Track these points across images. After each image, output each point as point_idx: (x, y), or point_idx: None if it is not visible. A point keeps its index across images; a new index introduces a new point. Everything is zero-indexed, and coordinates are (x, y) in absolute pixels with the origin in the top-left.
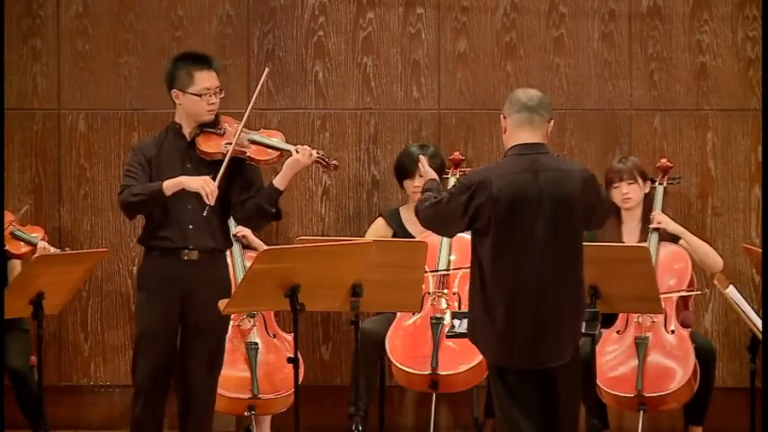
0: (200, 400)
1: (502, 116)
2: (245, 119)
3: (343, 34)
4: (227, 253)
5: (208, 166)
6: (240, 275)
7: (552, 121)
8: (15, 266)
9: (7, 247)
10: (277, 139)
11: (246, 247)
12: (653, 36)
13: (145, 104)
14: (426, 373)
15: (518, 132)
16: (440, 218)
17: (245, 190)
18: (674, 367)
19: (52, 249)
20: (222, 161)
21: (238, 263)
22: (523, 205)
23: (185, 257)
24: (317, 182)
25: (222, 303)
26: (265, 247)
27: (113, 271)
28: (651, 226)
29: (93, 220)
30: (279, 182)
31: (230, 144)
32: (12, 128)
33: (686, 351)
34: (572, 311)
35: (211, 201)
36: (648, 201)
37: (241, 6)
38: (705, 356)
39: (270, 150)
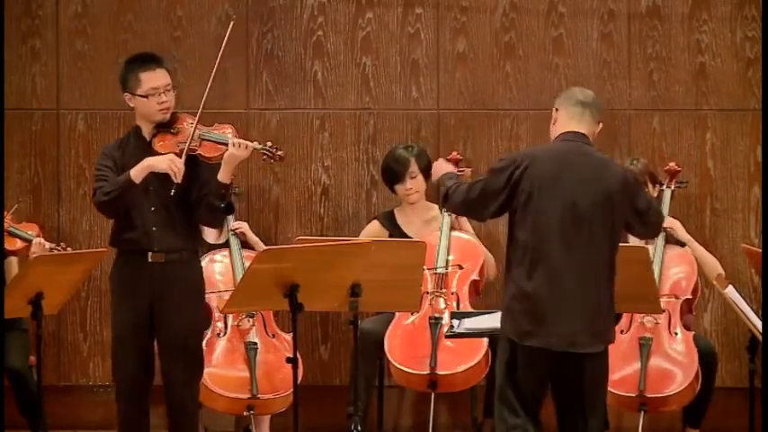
0: (179, 403)
1: (554, 108)
2: (197, 116)
3: (342, 34)
4: (206, 252)
5: None
6: (239, 273)
7: (601, 125)
8: (12, 263)
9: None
10: (219, 133)
11: (245, 244)
12: (652, 36)
13: None
14: (425, 372)
15: (568, 122)
16: (483, 195)
17: (201, 188)
18: (677, 370)
19: (47, 245)
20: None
21: (237, 261)
22: (560, 187)
23: (151, 260)
24: (315, 182)
25: (222, 303)
26: (261, 244)
27: None
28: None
29: (91, 220)
30: (221, 176)
31: (184, 143)
32: (11, 128)
33: (690, 354)
34: (596, 297)
35: (178, 178)
36: None
37: (240, 6)
38: (706, 360)
39: (219, 146)
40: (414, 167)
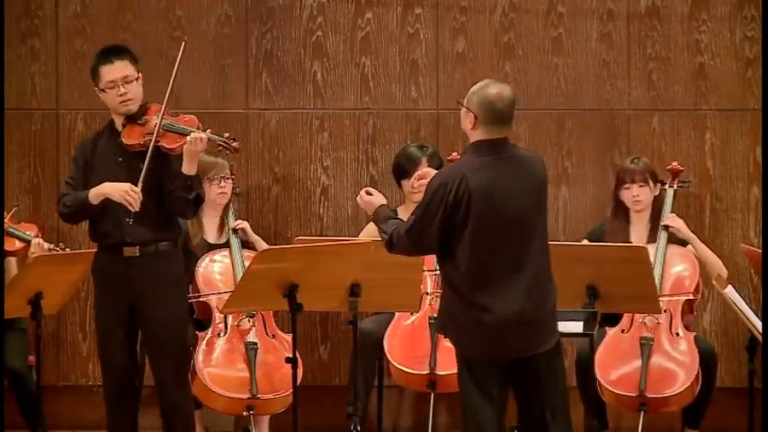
0: (172, 404)
1: (469, 111)
2: (163, 107)
3: (341, 34)
4: (178, 246)
5: (136, 157)
6: (239, 273)
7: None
8: (10, 263)
9: None
10: (181, 125)
11: (245, 243)
12: (651, 36)
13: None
14: (424, 372)
15: (489, 131)
16: (423, 230)
17: (171, 180)
18: (678, 370)
19: (46, 245)
20: (146, 152)
21: (237, 260)
22: (498, 193)
23: (127, 254)
24: (315, 182)
25: (221, 303)
26: (262, 242)
27: None
28: (662, 224)
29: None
30: (185, 167)
31: (150, 134)
32: (10, 128)
33: (692, 355)
34: (550, 297)
35: (135, 207)
36: (657, 203)
37: (239, 6)
38: (707, 361)
39: (181, 137)
40: (423, 166)
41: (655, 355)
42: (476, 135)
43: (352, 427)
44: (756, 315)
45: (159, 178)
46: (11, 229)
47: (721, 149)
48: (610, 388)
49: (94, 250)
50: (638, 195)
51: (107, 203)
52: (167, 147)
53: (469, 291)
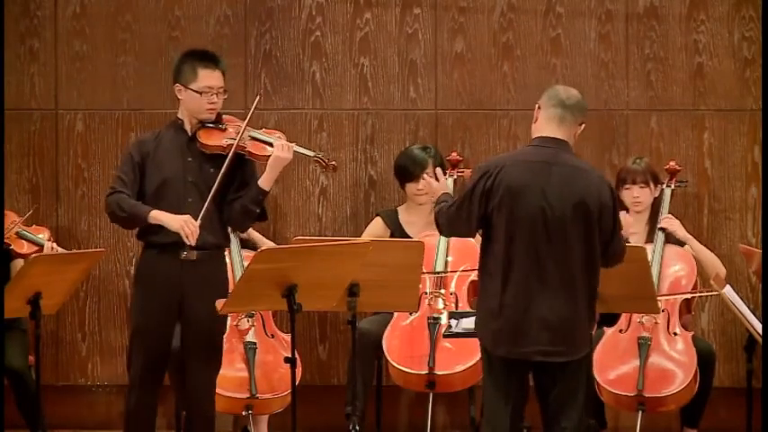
0: (199, 399)
1: (537, 106)
2: (249, 115)
3: (340, 34)
4: (226, 251)
5: (209, 160)
6: (238, 273)
7: (583, 125)
8: (18, 266)
9: (12, 247)
10: (267, 135)
11: (245, 244)
12: (650, 36)
13: (142, 105)
14: (423, 372)
15: (547, 125)
16: (462, 213)
17: (240, 188)
18: (676, 370)
19: (60, 250)
20: (222, 155)
21: (236, 261)
22: (531, 194)
23: (184, 256)
24: (314, 182)
25: (219, 303)
26: (265, 240)
27: (111, 271)
28: (659, 226)
29: (90, 221)
30: (263, 182)
31: (232, 139)
32: (9, 128)
33: (689, 354)
34: (579, 311)
35: (192, 241)
36: (655, 203)
37: (238, 6)
38: (705, 360)
39: (268, 147)
40: (430, 170)
41: (652, 355)
42: (536, 130)
43: (350, 427)
44: (755, 315)
45: (229, 184)
46: (23, 232)
47: (719, 149)
48: (608, 388)
49: (93, 250)
50: (638, 197)
51: (167, 201)
52: (253, 153)
53: (495, 282)
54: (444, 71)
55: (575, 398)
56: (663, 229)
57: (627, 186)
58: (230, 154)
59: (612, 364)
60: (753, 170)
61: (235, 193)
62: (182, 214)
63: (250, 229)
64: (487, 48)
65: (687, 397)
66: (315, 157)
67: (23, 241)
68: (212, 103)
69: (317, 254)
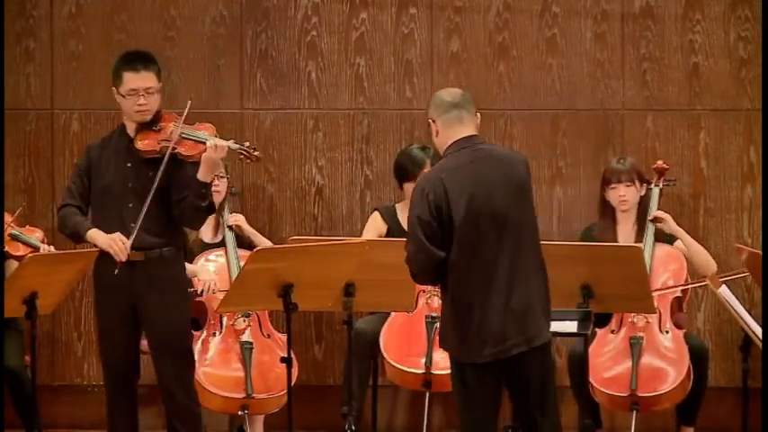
0: (172, 396)
1: (430, 120)
2: (183, 115)
3: (336, 34)
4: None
5: (146, 163)
6: (234, 272)
7: (479, 115)
8: (12, 267)
9: (7, 249)
10: (204, 132)
11: (241, 243)
12: (645, 36)
13: None
14: (420, 372)
15: (451, 130)
16: (425, 241)
17: (186, 188)
18: (668, 368)
19: (55, 251)
20: (159, 158)
21: (233, 260)
22: (479, 195)
23: (131, 258)
24: (309, 182)
25: (217, 302)
26: (259, 236)
27: None
28: (649, 218)
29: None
30: (201, 175)
31: (167, 141)
32: (5, 128)
33: (681, 352)
34: (535, 294)
35: (122, 257)
36: (643, 202)
37: (234, 6)
38: (698, 357)
39: (198, 144)
40: (427, 169)
41: (645, 354)
42: (444, 141)
43: (346, 427)
44: (749, 315)
45: (170, 185)
46: (17, 234)
47: (715, 149)
48: (601, 388)
49: (89, 250)
50: (624, 195)
51: (110, 205)
52: (184, 154)
53: (458, 291)
54: (440, 71)
55: (546, 387)
56: (654, 221)
57: (612, 186)
58: (166, 155)
59: (605, 365)
60: (748, 170)
61: (180, 193)
62: (123, 219)
63: (245, 225)
64: (483, 47)
65: (681, 395)
66: (239, 149)
67: (18, 243)
68: (140, 104)
69: (312, 254)
